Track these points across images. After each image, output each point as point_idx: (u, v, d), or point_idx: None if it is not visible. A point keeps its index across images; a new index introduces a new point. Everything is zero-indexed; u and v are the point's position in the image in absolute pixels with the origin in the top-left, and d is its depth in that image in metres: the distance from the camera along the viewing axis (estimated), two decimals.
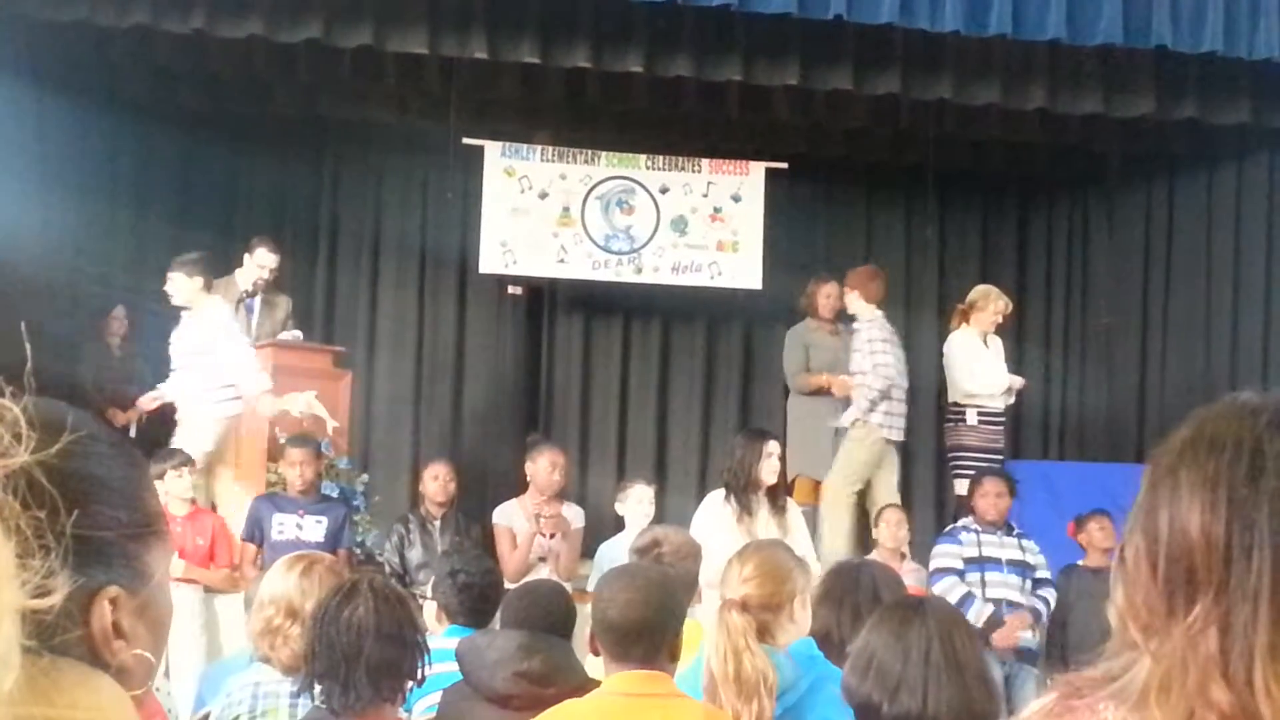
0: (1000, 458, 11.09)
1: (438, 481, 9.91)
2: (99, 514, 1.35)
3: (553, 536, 9.38)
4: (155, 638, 1.52)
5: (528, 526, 9.42)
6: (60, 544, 1.05)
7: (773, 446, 8.52)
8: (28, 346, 1.33)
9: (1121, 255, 13.80)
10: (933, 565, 9.22)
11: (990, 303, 11.21)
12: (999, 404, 11.21)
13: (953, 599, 8.67)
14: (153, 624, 1.50)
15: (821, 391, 11.43)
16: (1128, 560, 1.50)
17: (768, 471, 8.41)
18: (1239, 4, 10.01)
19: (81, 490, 1.31)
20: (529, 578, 8.39)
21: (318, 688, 3.90)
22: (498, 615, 5.38)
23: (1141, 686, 1.44)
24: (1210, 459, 1.45)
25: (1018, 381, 11.34)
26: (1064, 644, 9.16)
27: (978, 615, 8.87)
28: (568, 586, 8.71)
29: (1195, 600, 1.41)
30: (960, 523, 9.42)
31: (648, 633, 4.02)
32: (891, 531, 9.77)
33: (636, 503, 9.44)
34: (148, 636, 1.48)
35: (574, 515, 9.72)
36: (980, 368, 11.05)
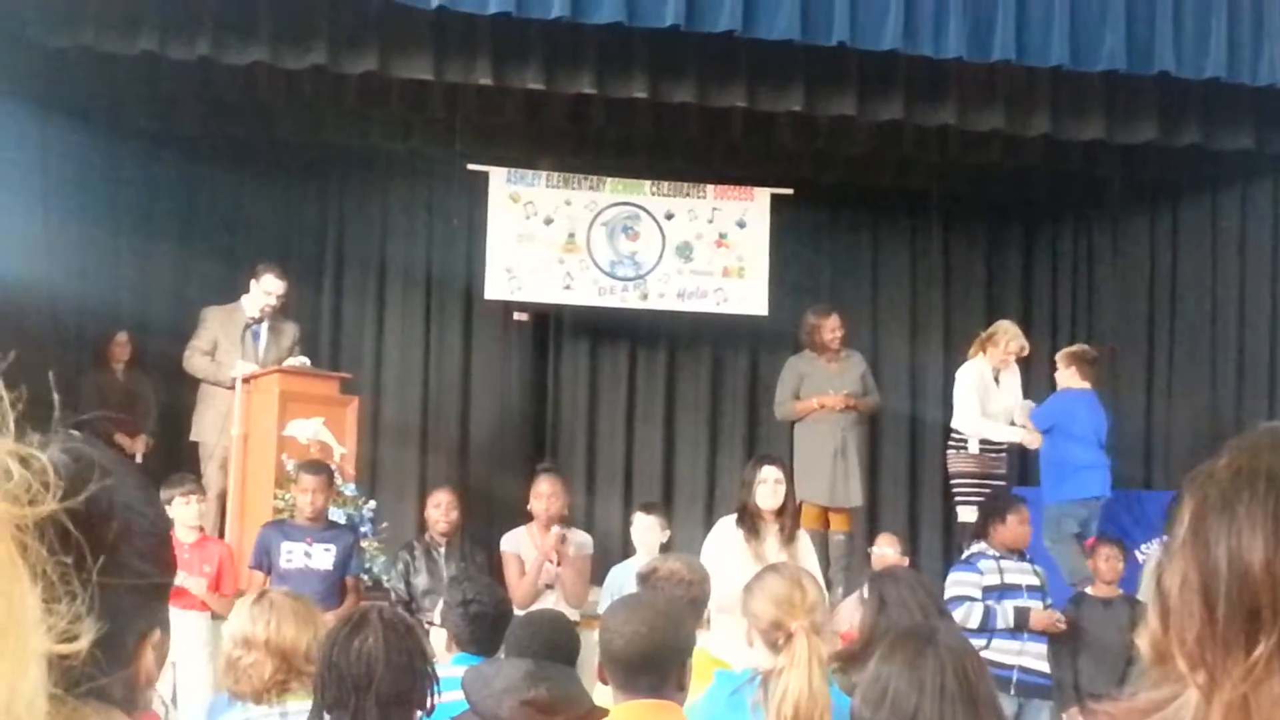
0: (1003, 484, 11.08)
1: (439, 509, 9.91)
2: (126, 561, 1.36)
3: (560, 564, 9.37)
4: (159, 674, 1.54)
5: (536, 554, 9.42)
6: (87, 590, 1.06)
7: (768, 472, 8.48)
8: (56, 395, 1.34)
9: (1126, 281, 13.80)
10: (949, 593, 9.16)
11: (1004, 338, 11.18)
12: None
13: (973, 622, 8.67)
14: (161, 662, 1.52)
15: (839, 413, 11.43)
16: (1171, 592, 1.41)
17: (763, 496, 8.37)
18: (1242, 30, 10.03)
19: (109, 537, 1.32)
20: (537, 605, 8.37)
21: (327, 718, 3.89)
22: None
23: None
24: (1271, 493, 1.36)
25: (1028, 406, 11.27)
26: (1077, 672, 9.13)
27: (1005, 617, 8.91)
28: (576, 614, 8.75)
29: (1258, 639, 1.32)
30: (977, 549, 9.36)
31: (654, 663, 4.03)
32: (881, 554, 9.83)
33: (645, 530, 9.46)
34: (156, 674, 1.50)
35: (583, 542, 9.70)
36: (989, 398, 11.04)
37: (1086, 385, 10.78)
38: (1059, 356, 11.07)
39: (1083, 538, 10.23)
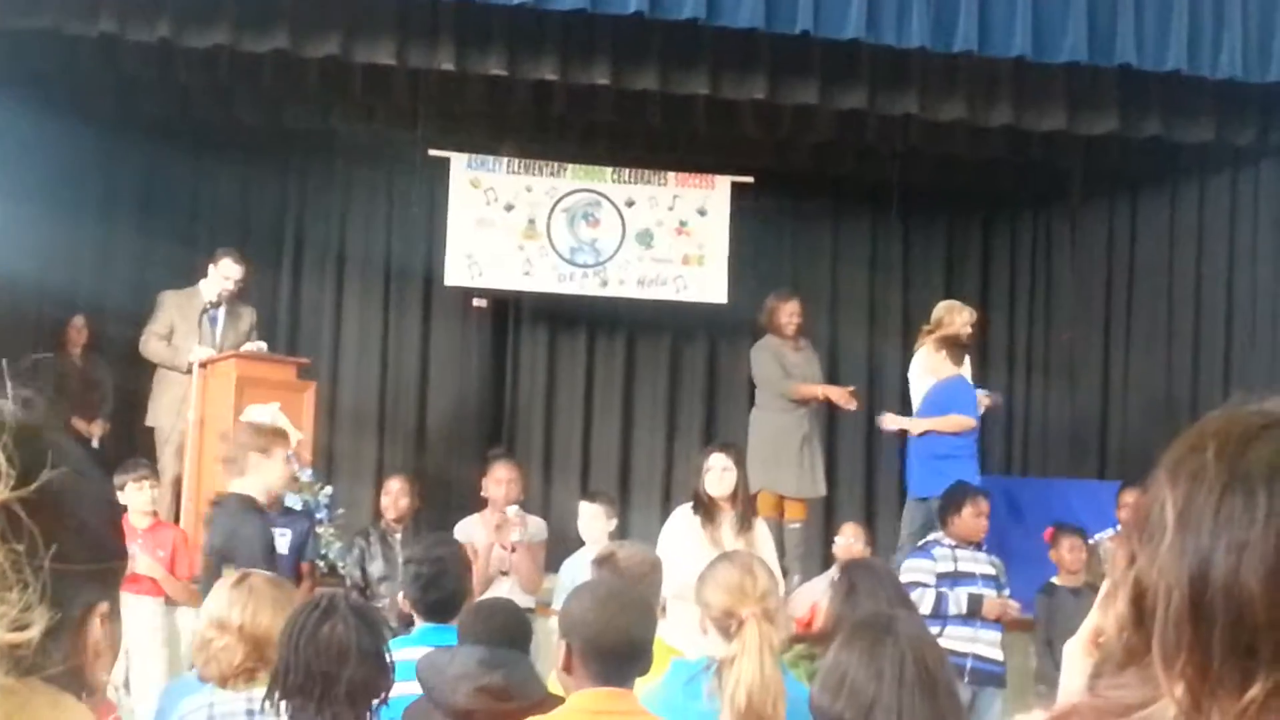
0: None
1: (389, 497, 9.88)
2: (77, 547, 1.35)
3: (514, 551, 9.35)
4: (113, 661, 1.53)
5: (487, 541, 9.40)
6: (38, 579, 1.05)
7: (715, 460, 8.45)
8: (7, 380, 1.33)
9: (1084, 271, 13.87)
10: (903, 579, 9.16)
11: (956, 315, 11.17)
12: None
13: (925, 607, 8.67)
14: (114, 646, 1.51)
15: (804, 403, 11.41)
16: (1153, 598, 1.28)
17: (710, 483, 8.35)
18: (1203, 23, 10.06)
19: (60, 524, 1.31)
20: (490, 593, 8.36)
21: (284, 704, 3.87)
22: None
23: None
24: (1275, 499, 1.22)
25: (985, 396, 11.28)
26: (1053, 663, 9.11)
27: (957, 603, 8.93)
28: (531, 601, 8.75)
29: (1254, 678, 1.20)
30: (932, 537, 9.38)
31: (636, 653, 4.04)
32: (849, 546, 9.83)
33: (590, 519, 9.43)
34: (109, 661, 1.49)
35: (537, 529, 9.69)
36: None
37: (959, 372, 10.72)
38: (931, 341, 10.88)
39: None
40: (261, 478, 7.58)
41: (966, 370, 11.19)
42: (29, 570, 1.04)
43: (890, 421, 11.13)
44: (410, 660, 4.73)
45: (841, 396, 11.40)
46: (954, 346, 10.73)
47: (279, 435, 8.06)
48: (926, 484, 10.41)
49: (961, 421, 10.44)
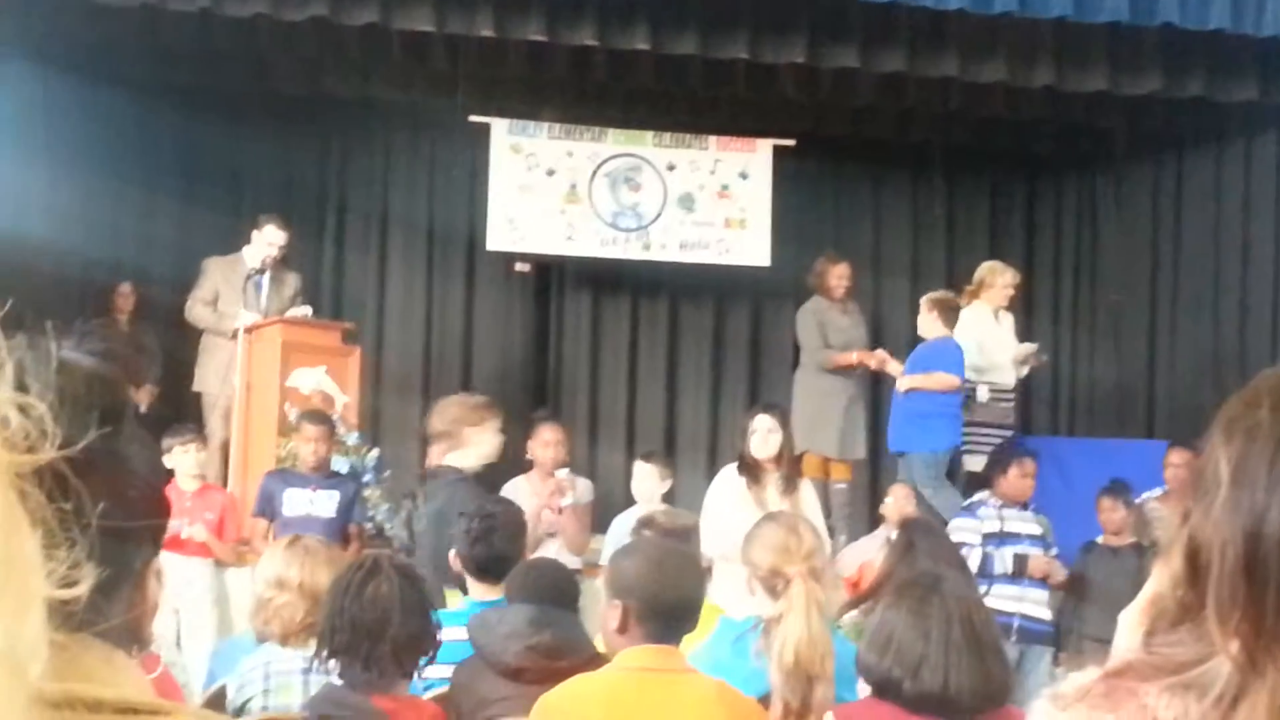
0: (1011, 433, 11.08)
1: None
2: (124, 505, 1.37)
3: (560, 512, 9.37)
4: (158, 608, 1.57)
5: (535, 502, 9.43)
6: (86, 536, 1.07)
7: (760, 421, 8.43)
8: (54, 343, 1.35)
9: (1129, 232, 13.78)
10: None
11: (998, 277, 11.20)
12: (1011, 379, 11.17)
13: (971, 566, 8.67)
14: (156, 602, 1.54)
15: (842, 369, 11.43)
16: (1208, 554, 1.27)
17: (755, 445, 8.34)
18: None
19: (106, 483, 1.33)
20: (538, 554, 8.39)
21: (332, 662, 3.91)
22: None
23: (1224, 695, 1.25)
24: None
25: (1027, 350, 11.25)
26: (1087, 621, 9.12)
27: (1003, 563, 8.94)
28: (578, 561, 8.77)
29: None
30: (978, 497, 9.38)
31: (690, 613, 4.08)
32: (899, 506, 9.83)
33: (644, 479, 9.45)
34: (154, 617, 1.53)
35: (584, 490, 9.70)
36: (990, 344, 11.02)
37: (949, 333, 10.73)
38: (924, 302, 10.97)
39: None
40: (476, 449, 7.78)
41: (1008, 329, 11.19)
42: (77, 528, 1.06)
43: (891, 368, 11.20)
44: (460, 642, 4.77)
45: (876, 361, 11.39)
46: (946, 309, 10.77)
47: (489, 407, 8.14)
48: (905, 439, 10.61)
49: (946, 380, 10.51)
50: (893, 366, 11.19)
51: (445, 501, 7.32)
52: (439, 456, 8.01)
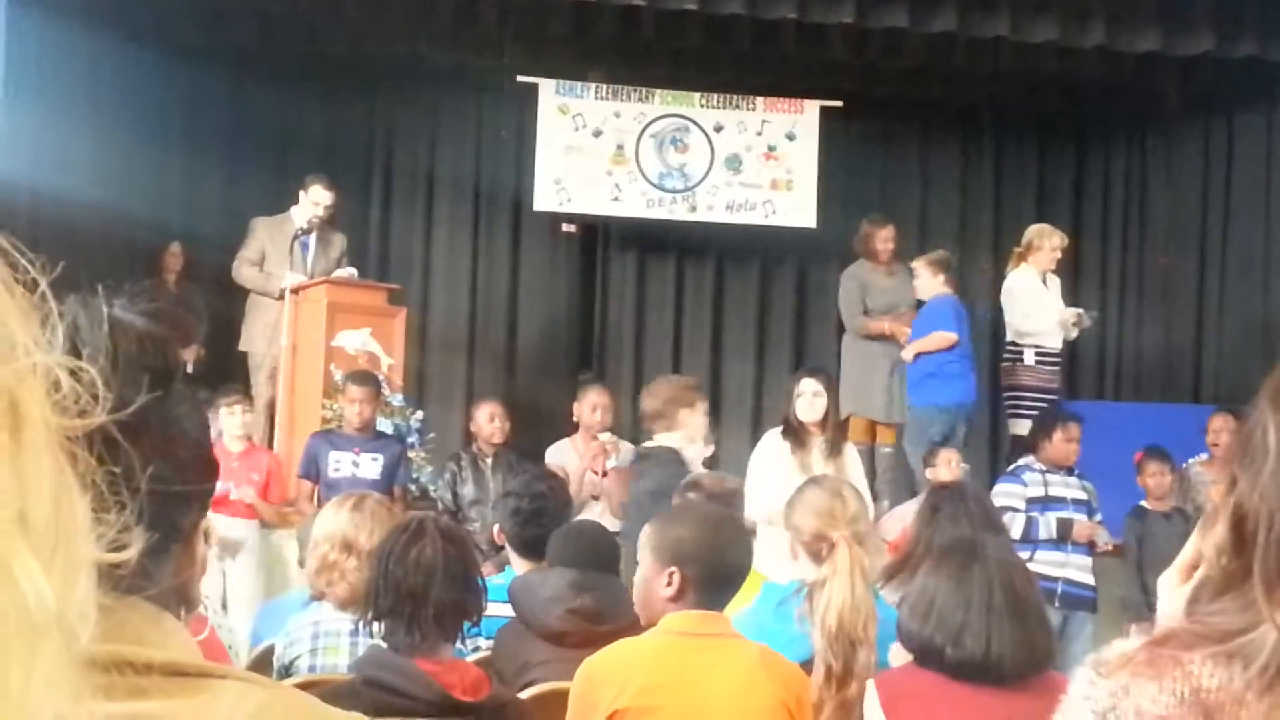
0: (1056, 398, 11.03)
1: (493, 423, 9.95)
2: (173, 469, 1.38)
3: (604, 475, 9.39)
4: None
5: (579, 464, 9.44)
6: (135, 500, 1.07)
7: (806, 385, 8.41)
8: (104, 307, 1.35)
9: (1179, 194, 13.68)
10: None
11: (1046, 240, 11.14)
12: (1057, 342, 11.12)
13: (1015, 533, 8.63)
14: (202, 565, 1.55)
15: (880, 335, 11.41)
16: (1250, 525, 1.26)
17: (801, 409, 8.32)
18: None
19: (156, 445, 1.33)
20: (582, 516, 8.41)
21: (378, 625, 3.92)
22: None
23: (1269, 664, 1.24)
24: None
25: (1074, 314, 11.19)
26: (1141, 586, 9.08)
27: (1048, 528, 8.91)
28: (619, 524, 8.78)
29: None
30: (1023, 462, 9.35)
31: (739, 578, 4.08)
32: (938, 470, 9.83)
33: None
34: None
35: (627, 453, 9.70)
36: (1037, 307, 10.97)
37: (949, 291, 10.74)
38: (921, 263, 11.07)
39: (948, 444, 10.20)
40: (686, 430, 8.11)
41: (1055, 293, 11.14)
42: (126, 491, 1.06)
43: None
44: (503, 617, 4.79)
45: (905, 333, 11.37)
46: (944, 268, 10.82)
47: (698, 389, 8.54)
48: (917, 399, 10.77)
49: (943, 338, 10.60)
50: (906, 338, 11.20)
51: (662, 481, 7.36)
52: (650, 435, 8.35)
